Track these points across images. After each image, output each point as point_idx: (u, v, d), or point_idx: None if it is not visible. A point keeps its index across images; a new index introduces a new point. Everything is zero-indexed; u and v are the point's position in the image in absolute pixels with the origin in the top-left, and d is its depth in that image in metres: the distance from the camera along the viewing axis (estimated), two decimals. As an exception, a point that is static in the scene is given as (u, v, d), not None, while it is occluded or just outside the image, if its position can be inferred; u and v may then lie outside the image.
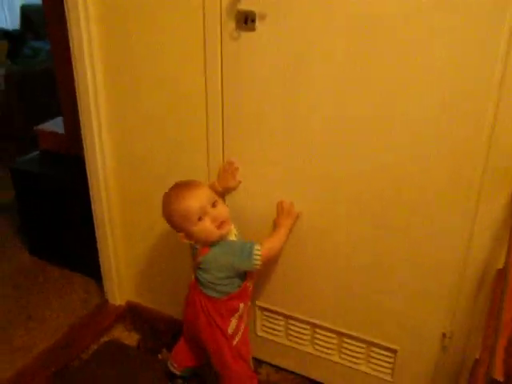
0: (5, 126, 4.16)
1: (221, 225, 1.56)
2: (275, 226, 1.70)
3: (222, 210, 1.57)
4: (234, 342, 1.70)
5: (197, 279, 1.65)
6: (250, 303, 1.74)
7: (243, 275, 1.64)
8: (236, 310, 1.67)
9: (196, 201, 1.53)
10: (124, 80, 1.85)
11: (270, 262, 1.75)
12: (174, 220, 1.58)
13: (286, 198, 1.69)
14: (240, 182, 1.75)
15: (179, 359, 1.87)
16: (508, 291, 0.79)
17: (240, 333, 1.71)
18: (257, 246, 1.57)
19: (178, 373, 1.87)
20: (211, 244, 1.58)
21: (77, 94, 1.93)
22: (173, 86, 1.76)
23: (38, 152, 2.64)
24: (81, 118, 1.97)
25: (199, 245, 1.60)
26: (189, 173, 1.81)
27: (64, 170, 2.46)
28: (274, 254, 1.67)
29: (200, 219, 1.54)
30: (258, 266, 1.59)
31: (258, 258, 1.56)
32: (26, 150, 2.70)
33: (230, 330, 1.67)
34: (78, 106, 1.95)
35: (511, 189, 1.39)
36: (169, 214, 1.59)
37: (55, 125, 2.59)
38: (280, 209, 1.69)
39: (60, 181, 2.43)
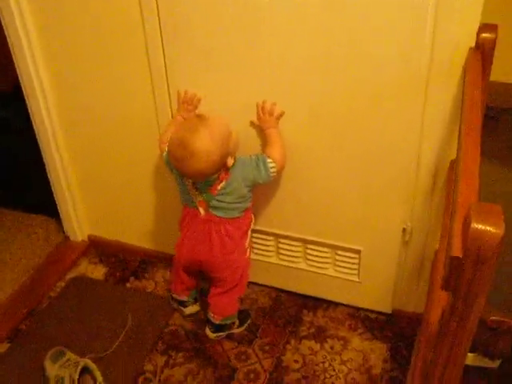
0: None
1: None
2: (264, 130, 1.63)
3: None
4: (247, 255, 1.77)
5: (212, 210, 1.64)
6: None
7: None
8: (251, 221, 1.75)
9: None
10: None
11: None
12: (225, 145, 1.54)
13: (243, 115, 1.65)
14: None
15: (182, 290, 1.90)
16: (461, 175, 0.79)
17: (250, 244, 1.78)
18: (268, 159, 1.61)
19: (185, 298, 1.91)
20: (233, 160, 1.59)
21: (3, 24, 1.81)
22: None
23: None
24: (11, 49, 1.85)
25: (219, 172, 1.58)
26: (129, 81, 1.78)
27: (5, 109, 2.32)
28: (284, 161, 1.66)
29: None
30: (274, 177, 1.65)
31: (274, 169, 1.62)
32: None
33: (246, 244, 1.74)
34: (7, 39, 1.83)
35: (458, 80, 1.38)
36: (220, 142, 1.52)
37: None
38: (261, 110, 1.61)
39: (3, 121, 2.31)
